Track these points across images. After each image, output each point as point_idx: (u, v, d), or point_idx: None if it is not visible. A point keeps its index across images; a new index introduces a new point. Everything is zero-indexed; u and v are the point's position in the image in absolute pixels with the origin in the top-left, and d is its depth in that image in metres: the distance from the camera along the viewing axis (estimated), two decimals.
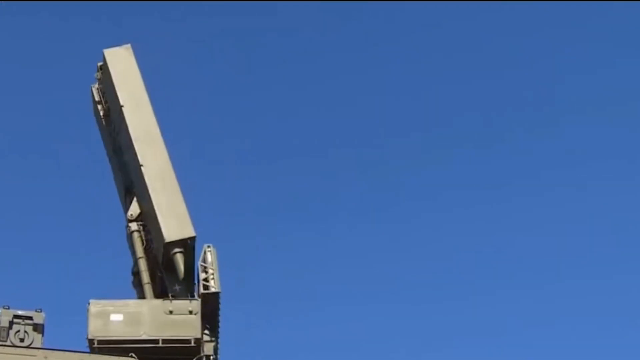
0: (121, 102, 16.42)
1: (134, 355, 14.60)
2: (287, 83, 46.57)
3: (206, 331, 15.04)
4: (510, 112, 44.37)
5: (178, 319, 14.70)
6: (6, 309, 15.57)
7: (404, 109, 44.72)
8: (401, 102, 45.42)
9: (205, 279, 14.96)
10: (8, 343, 15.30)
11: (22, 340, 15.45)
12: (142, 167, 15.88)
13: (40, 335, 15.62)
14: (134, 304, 15.32)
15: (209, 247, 15.44)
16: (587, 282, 41.87)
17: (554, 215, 41.83)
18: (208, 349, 14.91)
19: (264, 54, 45.33)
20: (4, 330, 15.51)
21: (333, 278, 42.61)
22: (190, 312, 14.73)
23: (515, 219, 43.08)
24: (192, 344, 14.50)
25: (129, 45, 17.28)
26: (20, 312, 15.68)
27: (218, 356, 15.39)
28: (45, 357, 15.12)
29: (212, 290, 14.90)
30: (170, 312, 14.75)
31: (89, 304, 14.90)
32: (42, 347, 15.45)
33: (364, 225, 42.42)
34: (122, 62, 17.01)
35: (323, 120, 46.03)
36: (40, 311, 15.80)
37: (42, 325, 15.70)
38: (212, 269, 15.05)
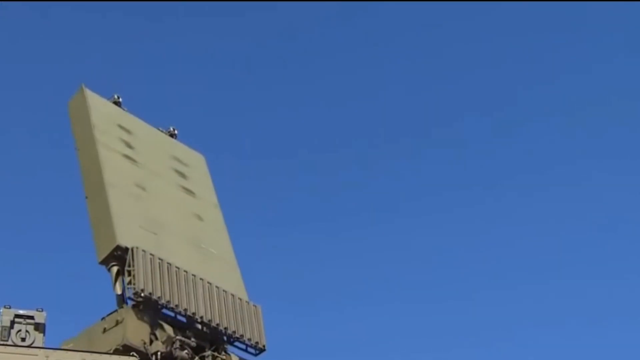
0: (77, 147, 17.96)
1: (135, 354, 14.76)
2: (289, 82, 46.82)
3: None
4: (511, 110, 44.72)
5: (109, 334, 15.21)
6: (7, 308, 15.54)
7: (403, 109, 44.98)
8: (401, 102, 45.65)
9: (129, 282, 15.34)
10: (9, 342, 15.23)
11: (23, 339, 15.37)
12: (86, 199, 17.13)
13: (41, 335, 15.55)
14: (81, 334, 15.94)
15: (132, 249, 15.70)
16: (588, 282, 42.09)
17: (553, 213, 42.07)
18: (155, 346, 15.12)
19: (263, 52, 45.65)
20: (5, 329, 15.45)
21: (334, 278, 42.77)
22: (117, 322, 15.15)
23: (514, 217, 43.27)
24: (113, 353, 14.73)
25: (81, 87, 18.43)
26: (21, 312, 15.62)
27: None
28: (47, 357, 15.02)
29: (133, 291, 15.22)
30: (104, 330, 15.29)
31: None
32: (43, 346, 15.35)
33: (364, 225, 42.72)
34: (76, 109, 18.36)
35: (324, 118, 46.26)
36: (42, 310, 15.74)
37: (44, 324, 15.64)
38: (133, 270, 15.34)
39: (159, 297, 15.44)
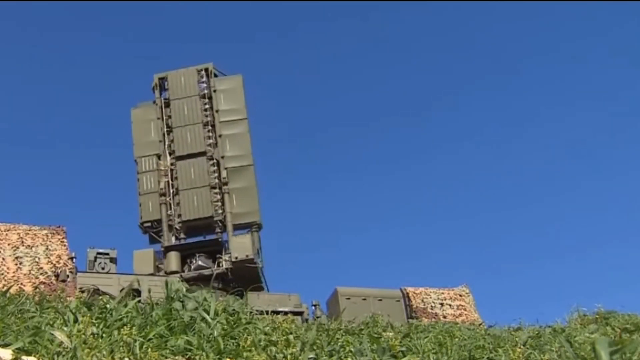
0: None
1: None
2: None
3: None
4: None
5: None
6: (92, 248, 19.17)
7: None
8: None
9: None
10: (94, 271, 18.68)
11: (103, 268, 18.84)
12: None
13: (114, 265, 19.18)
14: None
15: None
16: None
17: None
18: None
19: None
20: (91, 262, 19.09)
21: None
22: None
23: None
24: None
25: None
26: (100, 250, 19.20)
27: None
28: (119, 279, 18.14)
29: None
30: None
31: None
32: (115, 272, 18.90)
33: None
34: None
35: None
36: (114, 249, 19.40)
37: (115, 258, 19.25)
38: None
39: None
